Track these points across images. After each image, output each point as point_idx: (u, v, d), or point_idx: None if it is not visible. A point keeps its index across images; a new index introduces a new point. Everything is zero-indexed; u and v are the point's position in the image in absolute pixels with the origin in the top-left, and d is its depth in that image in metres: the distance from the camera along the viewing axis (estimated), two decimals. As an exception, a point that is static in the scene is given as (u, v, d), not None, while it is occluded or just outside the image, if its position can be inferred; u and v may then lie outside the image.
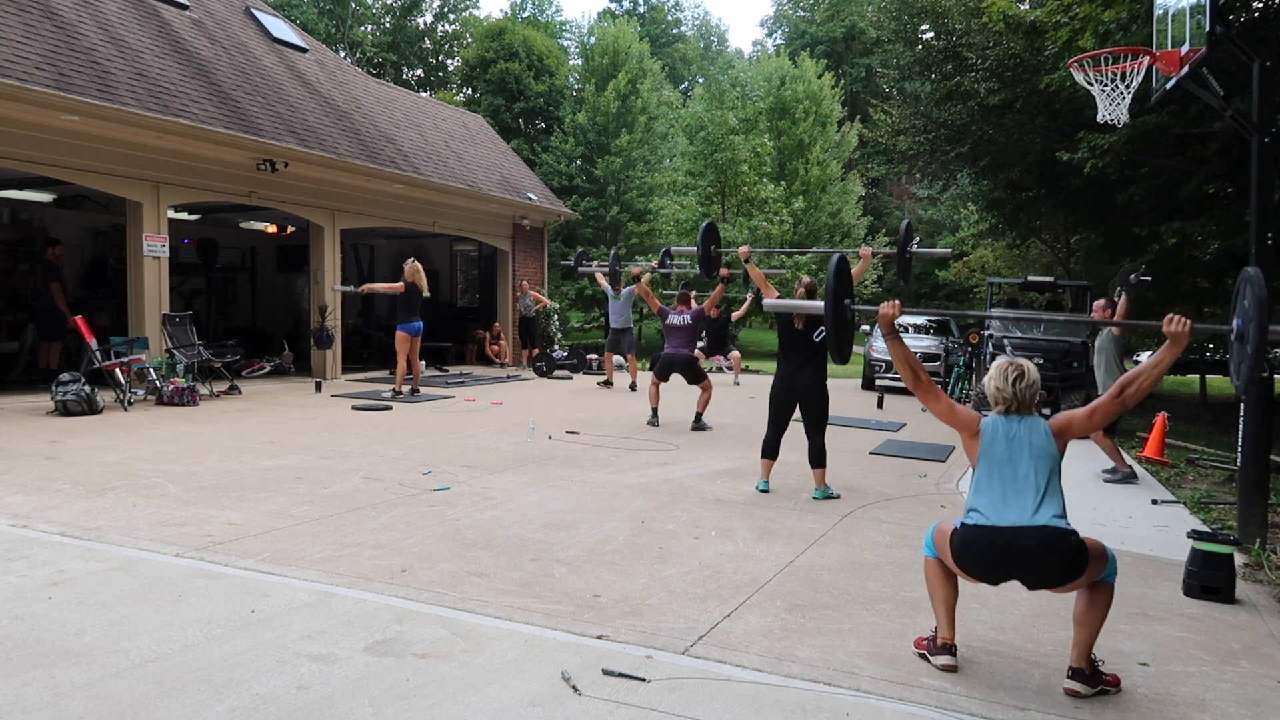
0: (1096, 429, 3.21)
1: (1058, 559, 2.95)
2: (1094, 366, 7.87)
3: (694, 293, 10.72)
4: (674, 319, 9.51)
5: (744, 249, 6.83)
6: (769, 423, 6.15)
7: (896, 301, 3.56)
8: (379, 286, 11.69)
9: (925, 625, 3.53)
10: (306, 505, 5.18)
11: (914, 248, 7.45)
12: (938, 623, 3.23)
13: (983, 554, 3.04)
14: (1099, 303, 7.85)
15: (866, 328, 16.12)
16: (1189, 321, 3.10)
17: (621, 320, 13.17)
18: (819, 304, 3.89)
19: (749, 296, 12.92)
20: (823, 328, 6.03)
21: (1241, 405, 5.26)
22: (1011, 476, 3.08)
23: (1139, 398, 3.16)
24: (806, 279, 6.05)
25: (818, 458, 5.99)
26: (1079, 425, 3.18)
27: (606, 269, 13.33)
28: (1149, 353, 3.44)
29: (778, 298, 6.17)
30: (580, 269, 14.46)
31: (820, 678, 3.03)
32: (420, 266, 10.96)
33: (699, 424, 8.99)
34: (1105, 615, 3.03)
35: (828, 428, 6.12)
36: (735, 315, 14.83)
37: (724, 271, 9.95)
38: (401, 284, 10.78)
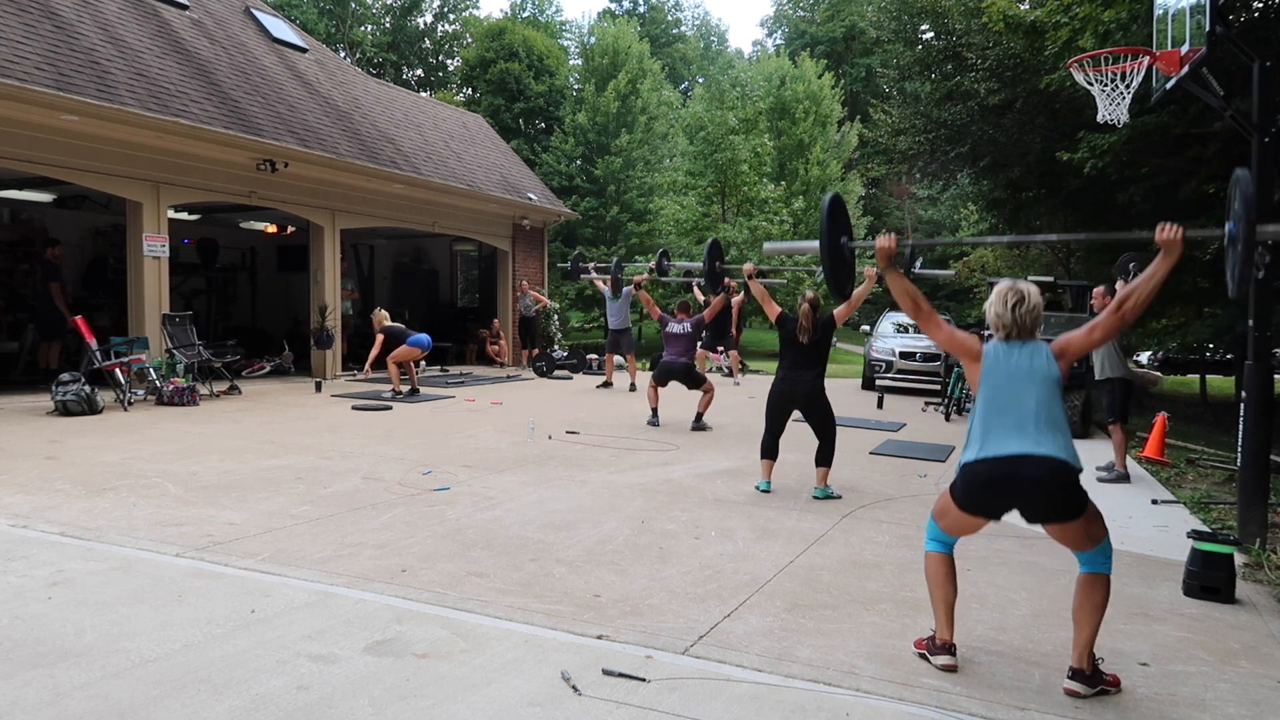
0: (1097, 345, 3.17)
1: (1058, 491, 2.93)
2: (1092, 354, 7.86)
3: (698, 281, 10.75)
4: (674, 327, 9.52)
5: (749, 266, 6.82)
6: (766, 426, 6.15)
7: (893, 234, 3.55)
8: (375, 351, 11.21)
9: (925, 625, 3.53)
10: (306, 505, 5.18)
11: (918, 268, 7.48)
12: (937, 622, 3.23)
13: (985, 484, 3.02)
14: (1098, 289, 7.84)
15: (867, 328, 16.12)
16: (1181, 229, 3.06)
17: (620, 321, 13.21)
18: (814, 244, 3.86)
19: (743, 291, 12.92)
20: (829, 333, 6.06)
21: (1241, 405, 5.26)
22: (1013, 404, 3.04)
23: (1138, 311, 3.11)
24: (810, 294, 6.05)
25: (824, 457, 5.99)
26: (1078, 346, 3.13)
27: (604, 273, 13.43)
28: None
29: (779, 313, 6.17)
30: (580, 275, 14.49)
31: (820, 678, 3.03)
32: (384, 313, 11.19)
33: (699, 424, 8.99)
34: (1103, 611, 3.03)
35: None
36: (735, 301, 14.56)
37: (727, 281, 9.99)
38: (381, 335, 10.92)
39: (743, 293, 13.49)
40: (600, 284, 13.63)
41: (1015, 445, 2.97)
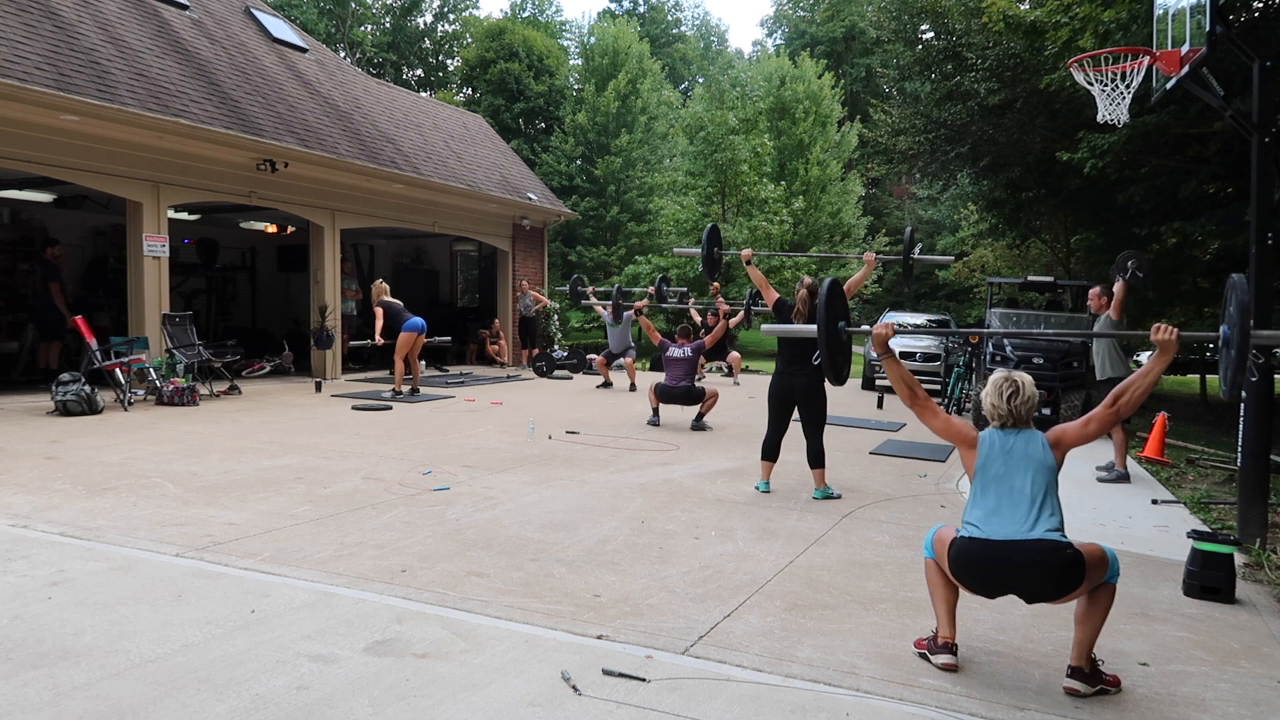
0: (1092, 439, 3.24)
1: (1054, 572, 2.96)
2: (1093, 353, 7.86)
3: (692, 298, 10.83)
4: (674, 351, 9.55)
5: (746, 252, 6.86)
6: (769, 424, 6.15)
7: (890, 323, 3.61)
8: (378, 326, 11.06)
9: (925, 625, 3.53)
10: (306, 505, 5.18)
11: (917, 254, 7.52)
12: (938, 622, 3.23)
13: (978, 567, 3.05)
14: (1094, 290, 7.83)
15: (867, 328, 16.11)
16: (1176, 330, 3.19)
17: (620, 346, 13.70)
18: (813, 328, 3.97)
19: (743, 304, 13.02)
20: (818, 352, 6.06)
21: (1241, 405, 5.26)
22: (1008, 490, 3.10)
23: (1133, 407, 3.22)
24: (808, 280, 6.05)
25: (816, 458, 5.99)
26: (1073, 436, 3.21)
27: (604, 298, 13.68)
28: (1149, 354, 3.47)
29: (776, 299, 6.18)
30: (579, 300, 14.68)
31: (820, 678, 3.03)
32: (384, 286, 11.05)
33: (699, 423, 9.00)
34: (1106, 615, 3.04)
35: (827, 428, 6.13)
36: (733, 322, 14.79)
37: (715, 287, 10.12)
38: (380, 310, 10.84)
39: (741, 313, 13.63)
40: (600, 309, 13.79)
41: (1010, 529, 3.02)
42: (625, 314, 13.59)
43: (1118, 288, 7.37)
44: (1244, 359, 3.17)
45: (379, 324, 10.92)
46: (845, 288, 5.89)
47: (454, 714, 2.65)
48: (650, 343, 12.25)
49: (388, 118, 15.69)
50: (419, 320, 10.91)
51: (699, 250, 7.27)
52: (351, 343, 13.39)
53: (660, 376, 10.09)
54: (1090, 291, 7.98)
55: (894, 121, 14.66)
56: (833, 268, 29.93)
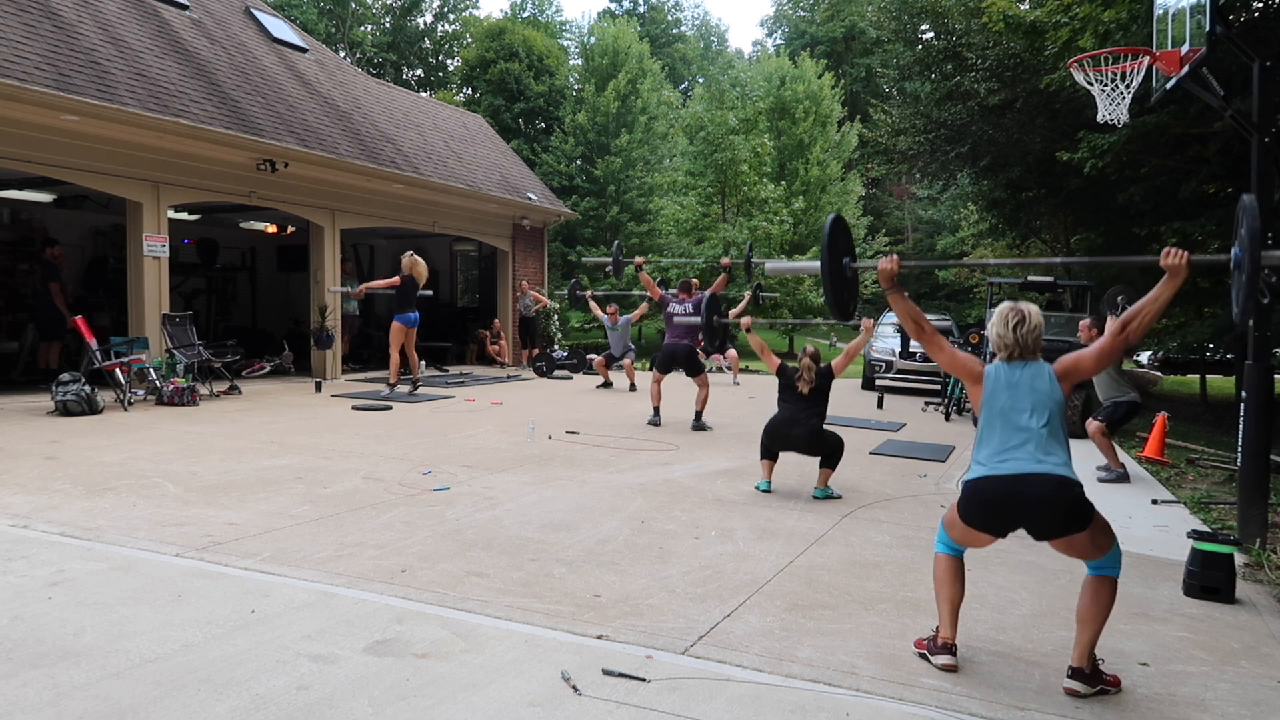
0: (1105, 366, 3.19)
1: (1061, 507, 2.95)
2: (1093, 384, 7.84)
3: (695, 282, 10.84)
4: (675, 307, 9.45)
5: (745, 320, 6.84)
6: (763, 444, 6.18)
7: (895, 256, 3.57)
8: (377, 284, 11.29)
9: (925, 625, 3.53)
10: (306, 505, 5.18)
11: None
12: (940, 621, 3.22)
13: (988, 503, 3.04)
14: (1084, 322, 7.86)
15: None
16: (1186, 254, 3.08)
17: (620, 348, 13.71)
18: (815, 265, 3.90)
19: (746, 295, 12.95)
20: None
21: (1241, 405, 5.26)
22: (1014, 425, 3.06)
23: (1141, 333, 3.12)
24: (811, 348, 6.09)
25: (829, 464, 5.99)
26: (1087, 365, 3.14)
27: (601, 295, 13.76)
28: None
29: (779, 364, 6.19)
30: (576, 304, 14.69)
31: (820, 678, 3.03)
32: (419, 260, 10.81)
33: (699, 423, 8.99)
34: (1108, 613, 3.04)
35: (826, 428, 6.12)
36: (732, 313, 14.71)
37: (725, 261, 10.01)
38: (398, 278, 10.68)
39: (745, 299, 13.57)
40: (600, 313, 13.77)
41: (1018, 465, 3.00)
42: (623, 318, 13.72)
43: (1110, 323, 7.40)
44: (1255, 282, 3.12)
45: (382, 283, 10.84)
46: (845, 354, 6.10)
47: (454, 714, 2.65)
48: (650, 343, 12.21)
49: (388, 118, 15.69)
50: (413, 315, 10.72)
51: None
52: (352, 290, 12.96)
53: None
54: (1080, 323, 8.03)
55: (894, 121, 14.66)
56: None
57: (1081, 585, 3.11)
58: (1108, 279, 14.25)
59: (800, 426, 5.96)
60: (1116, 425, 7.51)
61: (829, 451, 6.00)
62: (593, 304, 14.07)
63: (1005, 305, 3.23)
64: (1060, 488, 2.95)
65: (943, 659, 3.14)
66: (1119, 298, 7.55)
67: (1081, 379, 3.19)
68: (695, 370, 9.20)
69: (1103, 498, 6.55)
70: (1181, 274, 3.08)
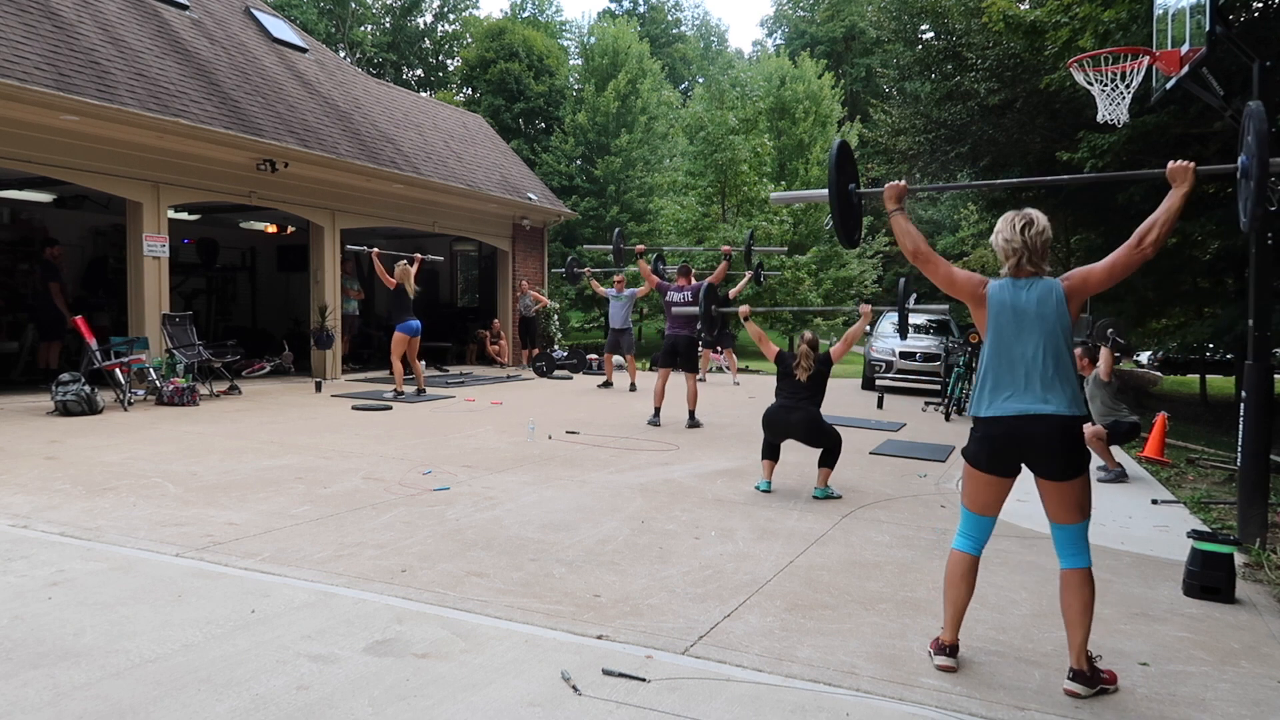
0: (1118, 279, 3.10)
1: (1062, 448, 2.96)
2: (1087, 398, 7.85)
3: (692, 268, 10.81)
4: (674, 295, 9.42)
5: (743, 309, 6.85)
6: (764, 439, 6.17)
7: (902, 183, 3.49)
8: (381, 271, 11.03)
9: (925, 625, 3.53)
10: (306, 505, 5.18)
11: (911, 304, 7.62)
12: (944, 623, 3.21)
13: (994, 446, 3.05)
14: (1077, 351, 7.88)
15: (867, 328, 16.11)
16: (1191, 164, 3.07)
17: (621, 321, 13.22)
18: (823, 192, 3.87)
19: (746, 275, 12.90)
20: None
21: (1241, 405, 5.26)
22: (1020, 356, 3.03)
23: (1159, 244, 3.04)
24: (809, 335, 6.09)
25: (828, 461, 5.99)
26: (1097, 280, 3.08)
27: (599, 273, 13.56)
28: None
29: (777, 352, 6.20)
30: (576, 280, 14.55)
31: (820, 678, 3.03)
32: (410, 271, 10.81)
33: (693, 421, 9.03)
34: (1093, 608, 3.03)
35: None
36: (733, 292, 14.52)
37: (726, 249, 10.06)
38: (394, 281, 10.72)
39: (745, 278, 13.47)
40: (599, 289, 13.69)
41: (1022, 403, 2.99)
42: (629, 290, 13.24)
43: (1104, 355, 7.51)
44: (1264, 189, 3.09)
45: (385, 278, 10.74)
46: (843, 341, 6.13)
47: (454, 714, 2.65)
48: (650, 343, 12.17)
49: (388, 118, 15.69)
50: (415, 323, 10.79)
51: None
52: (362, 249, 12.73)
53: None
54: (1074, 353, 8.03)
55: (894, 121, 14.66)
56: (833, 268, 29.94)
57: (1060, 584, 3.11)
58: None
59: (799, 413, 5.96)
60: (1116, 440, 7.53)
61: (828, 444, 5.99)
62: (593, 282, 13.99)
63: (1011, 212, 3.15)
64: (1065, 430, 2.95)
65: (941, 660, 3.14)
66: (1108, 330, 7.63)
67: (1095, 291, 3.12)
68: (691, 365, 9.26)
69: (1103, 498, 6.55)
70: (1188, 179, 3.06)
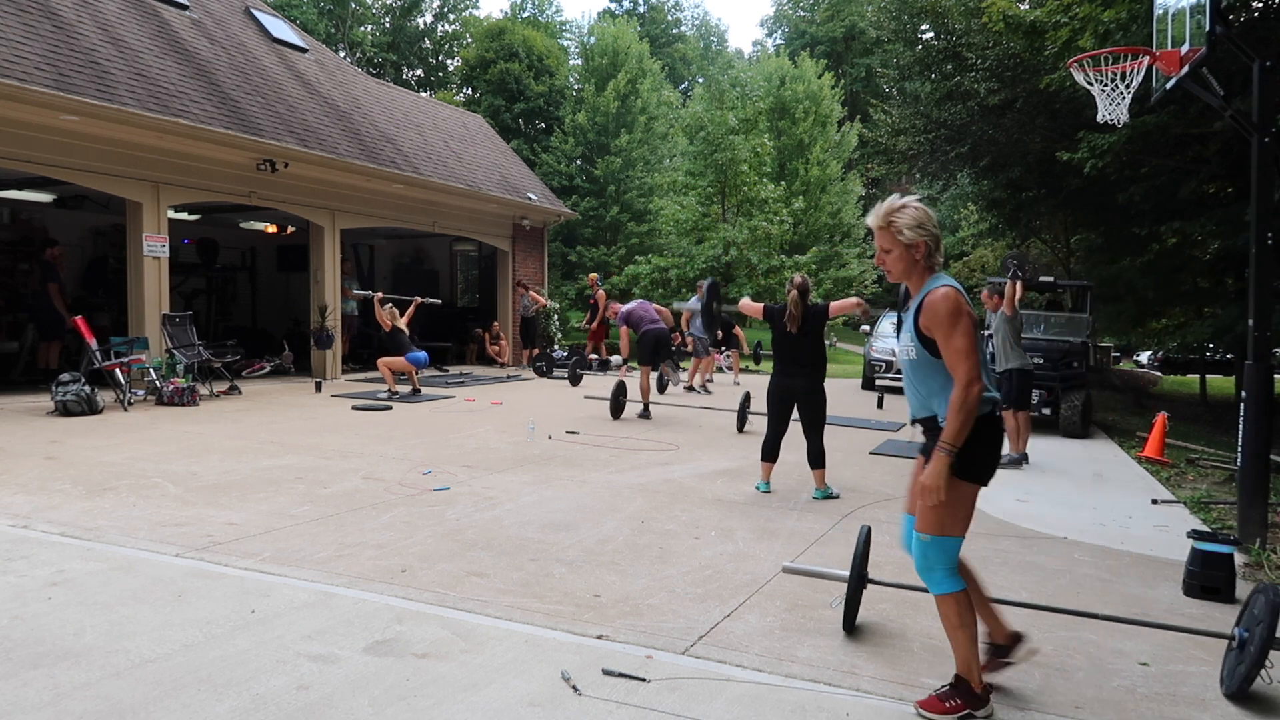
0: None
1: None
2: (993, 345, 8.17)
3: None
4: (643, 312, 9.92)
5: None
6: (769, 423, 6.14)
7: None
8: (381, 319, 11.27)
9: (925, 625, 3.53)
10: (307, 505, 5.18)
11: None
12: (970, 664, 2.79)
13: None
14: (985, 292, 8.25)
15: (867, 328, 16.13)
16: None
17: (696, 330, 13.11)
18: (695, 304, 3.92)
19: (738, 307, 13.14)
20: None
21: (1241, 405, 5.26)
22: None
23: None
24: (798, 279, 5.97)
25: (817, 459, 5.99)
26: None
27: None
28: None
29: (763, 307, 6.23)
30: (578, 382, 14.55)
31: (820, 678, 3.03)
32: (396, 312, 11.27)
33: (645, 413, 9.49)
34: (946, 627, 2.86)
35: (827, 427, 6.13)
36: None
37: (593, 279, 10.42)
38: (389, 324, 11.09)
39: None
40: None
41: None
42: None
43: (1009, 287, 7.80)
44: (1259, 664, 2.88)
45: (382, 318, 11.10)
46: (833, 307, 6.12)
47: (454, 714, 2.65)
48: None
49: (387, 118, 15.69)
50: (422, 356, 11.15)
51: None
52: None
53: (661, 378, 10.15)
54: (982, 294, 8.29)
55: (894, 121, 14.65)
56: (833, 268, 29.94)
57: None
58: (1107, 278, 14.26)
59: (801, 379, 5.96)
60: (1023, 403, 7.89)
61: (818, 415, 6.02)
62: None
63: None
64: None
65: (987, 710, 2.79)
66: (1012, 263, 8.00)
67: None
68: (663, 358, 9.50)
69: (1103, 497, 6.55)
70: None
